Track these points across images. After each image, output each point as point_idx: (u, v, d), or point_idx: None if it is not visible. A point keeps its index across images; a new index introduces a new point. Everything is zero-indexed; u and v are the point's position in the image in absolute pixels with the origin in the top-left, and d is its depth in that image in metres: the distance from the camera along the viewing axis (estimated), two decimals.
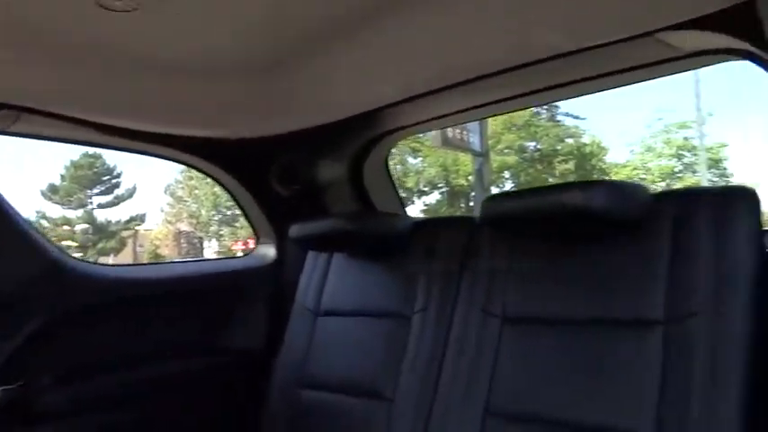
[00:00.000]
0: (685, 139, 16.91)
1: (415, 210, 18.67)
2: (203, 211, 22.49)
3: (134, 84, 1.43)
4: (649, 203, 1.22)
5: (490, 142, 14.71)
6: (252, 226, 2.02)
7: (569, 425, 1.18)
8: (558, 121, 18.35)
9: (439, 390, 1.39)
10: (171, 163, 1.95)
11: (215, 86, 1.52)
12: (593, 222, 1.21)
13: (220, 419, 1.78)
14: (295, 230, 1.69)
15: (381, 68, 1.45)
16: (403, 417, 1.42)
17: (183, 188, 22.87)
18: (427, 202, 19.17)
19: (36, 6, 1.07)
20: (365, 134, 1.86)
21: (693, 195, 1.20)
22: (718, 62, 1.34)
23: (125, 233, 22.57)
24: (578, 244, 1.29)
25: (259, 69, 1.47)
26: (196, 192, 22.19)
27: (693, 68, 1.42)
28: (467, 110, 1.66)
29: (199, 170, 1.94)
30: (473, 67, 1.37)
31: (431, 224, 1.65)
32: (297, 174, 1.86)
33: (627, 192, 1.22)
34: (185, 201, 23.04)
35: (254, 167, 1.87)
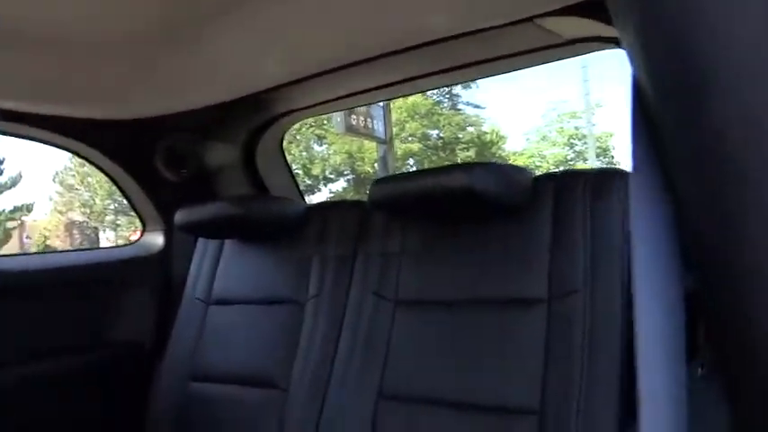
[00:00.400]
0: (576, 128, 17.83)
1: (321, 197, 18.57)
2: (97, 200, 21.31)
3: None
4: (531, 186, 1.25)
5: (394, 130, 14.84)
6: (138, 214, 1.91)
7: (460, 405, 1.20)
8: (460, 110, 18.80)
9: (332, 376, 1.38)
10: (60, 150, 1.80)
11: (93, 63, 1.41)
12: (477, 204, 1.23)
13: (106, 416, 1.68)
14: (181, 216, 1.62)
15: (269, 49, 1.40)
16: (296, 405, 1.40)
17: (74, 176, 21.55)
18: (333, 190, 19.12)
19: None
20: (257, 116, 1.80)
21: (571, 177, 1.25)
22: (598, 50, 1.40)
23: (9, 224, 21.04)
24: (466, 226, 1.31)
25: (142, 46, 1.38)
26: (89, 179, 20.98)
27: (575, 55, 1.47)
28: (357, 93, 1.64)
29: (77, 154, 1.81)
30: (359, 49, 1.35)
31: (324, 208, 1.63)
32: (185, 157, 1.77)
33: (508, 174, 1.25)
34: (77, 189, 21.74)
35: (137, 151, 1.76)
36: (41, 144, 1.73)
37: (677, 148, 0.27)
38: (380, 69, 1.45)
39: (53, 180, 21.04)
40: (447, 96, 18.46)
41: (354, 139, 15.35)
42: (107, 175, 1.85)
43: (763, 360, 0.23)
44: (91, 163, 1.82)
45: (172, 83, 1.54)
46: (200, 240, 1.76)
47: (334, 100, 1.70)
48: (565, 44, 1.34)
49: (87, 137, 1.69)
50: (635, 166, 0.34)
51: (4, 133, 1.62)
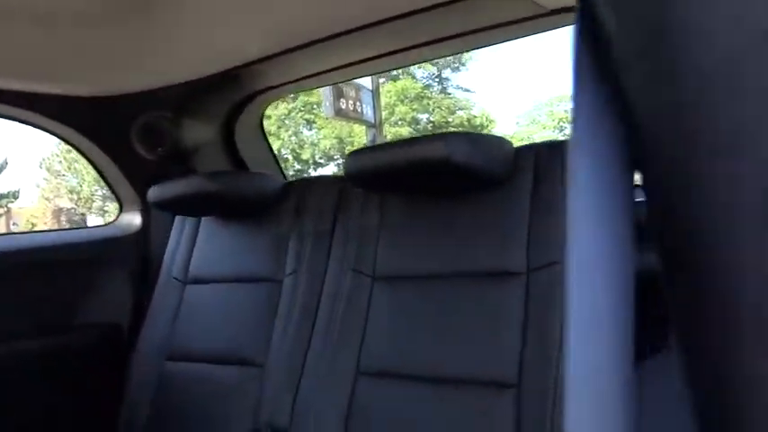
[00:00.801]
0: (566, 111, 17.81)
1: None
2: (85, 186, 21.13)
3: None
4: (512, 157, 1.22)
5: (384, 114, 14.76)
6: (115, 193, 1.87)
7: (439, 380, 1.18)
8: (450, 94, 18.72)
9: (310, 352, 1.36)
10: (47, 136, 1.75)
11: (66, 39, 1.36)
12: (455, 175, 1.20)
13: (82, 396, 1.65)
14: (155, 193, 1.58)
15: (246, 23, 1.35)
16: (273, 381, 1.38)
17: (60, 162, 21.34)
18: (324, 175, 19.06)
19: None
20: (235, 93, 1.76)
21: (552, 148, 1.22)
22: None
23: None
24: (444, 198, 1.29)
25: (116, 21, 1.33)
26: (76, 165, 20.78)
27: (559, 26, 1.44)
28: (337, 68, 1.60)
29: (51, 133, 1.76)
30: (339, 22, 1.31)
31: (301, 184, 1.59)
32: (161, 134, 1.73)
33: (488, 145, 1.22)
34: (63, 175, 21.55)
35: (113, 128, 1.71)
36: (15, 123, 1.68)
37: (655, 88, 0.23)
38: (361, 42, 1.41)
39: (40, 166, 20.80)
40: (437, 80, 18.38)
41: (344, 123, 15.25)
42: (82, 154, 1.80)
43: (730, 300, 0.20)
44: (66, 142, 1.77)
45: (147, 58, 1.50)
46: (178, 218, 1.72)
47: (313, 75, 1.66)
48: (548, 14, 1.31)
49: (61, 114, 1.65)
50: (576, 133, 0.29)
51: None
